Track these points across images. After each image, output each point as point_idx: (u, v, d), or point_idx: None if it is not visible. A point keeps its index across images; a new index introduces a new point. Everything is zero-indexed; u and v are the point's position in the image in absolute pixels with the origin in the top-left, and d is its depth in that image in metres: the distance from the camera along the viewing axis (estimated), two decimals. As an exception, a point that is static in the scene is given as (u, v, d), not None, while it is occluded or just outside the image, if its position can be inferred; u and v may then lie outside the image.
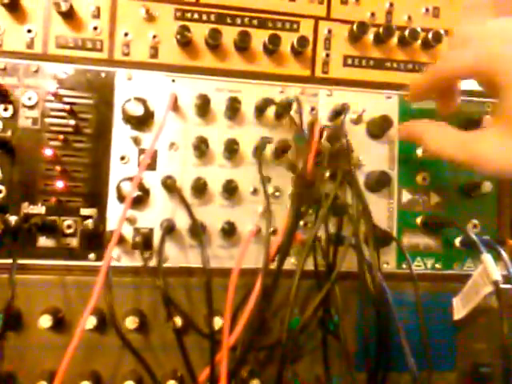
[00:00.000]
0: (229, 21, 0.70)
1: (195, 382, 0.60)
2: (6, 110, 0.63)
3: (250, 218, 0.69)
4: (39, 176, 0.64)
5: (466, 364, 0.71)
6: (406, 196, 0.73)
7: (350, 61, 0.73)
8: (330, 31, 0.73)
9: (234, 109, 0.67)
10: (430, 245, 0.73)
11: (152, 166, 0.67)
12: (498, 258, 0.65)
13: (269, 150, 0.69)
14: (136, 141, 0.66)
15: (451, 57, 0.58)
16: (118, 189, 0.64)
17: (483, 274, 0.63)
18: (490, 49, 0.53)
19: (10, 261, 0.60)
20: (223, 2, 0.70)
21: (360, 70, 0.74)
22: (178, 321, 0.61)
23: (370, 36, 0.73)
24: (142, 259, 0.62)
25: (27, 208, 0.63)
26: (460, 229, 0.71)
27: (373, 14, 0.74)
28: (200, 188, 0.66)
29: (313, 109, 0.71)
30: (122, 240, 0.65)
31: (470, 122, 0.72)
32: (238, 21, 0.70)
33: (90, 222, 0.63)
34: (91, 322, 0.60)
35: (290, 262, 0.68)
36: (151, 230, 0.66)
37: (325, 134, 0.68)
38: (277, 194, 0.69)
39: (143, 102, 0.64)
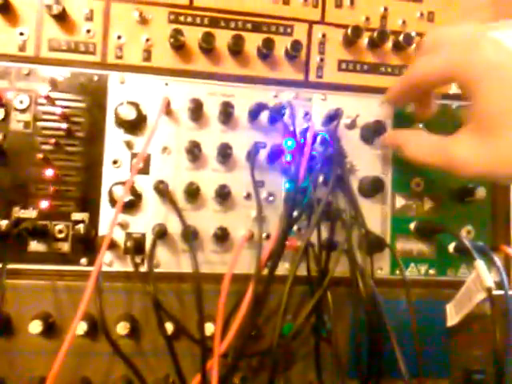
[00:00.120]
0: (222, 24, 0.69)
1: (185, 388, 0.60)
2: (-3, 113, 0.63)
3: (243, 223, 0.68)
4: (31, 180, 0.63)
5: (459, 371, 0.71)
6: (400, 201, 0.72)
7: (344, 65, 0.73)
8: (324, 35, 0.72)
9: (227, 113, 0.66)
10: (423, 251, 0.73)
11: (145, 170, 0.66)
12: (491, 264, 0.65)
13: (262, 154, 0.68)
14: (129, 145, 0.66)
15: (422, 63, 0.59)
16: (110, 193, 0.64)
17: (476, 280, 0.63)
18: (460, 54, 0.54)
19: (-1, 265, 0.60)
20: (217, 6, 0.69)
21: (354, 74, 0.73)
22: (170, 327, 0.60)
23: (364, 40, 0.73)
24: (132, 264, 0.62)
25: (18, 212, 0.63)
26: (453, 235, 0.71)
27: (367, 19, 0.73)
28: (193, 192, 0.65)
29: (307, 113, 0.71)
30: (114, 245, 0.65)
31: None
32: (232, 24, 0.70)
33: (81, 227, 0.62)
34: (82, 327, 0.59)
35: (284, 268, 0.67)
36: (143, 234, 0.66)
37: (318, 138, 0.68)
38: (270, 198, 0.69)
39: (136, 105, 0.64)
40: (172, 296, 0.64)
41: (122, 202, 0.60)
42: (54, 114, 0.64)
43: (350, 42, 0.72)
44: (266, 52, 0.69)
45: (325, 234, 0.66)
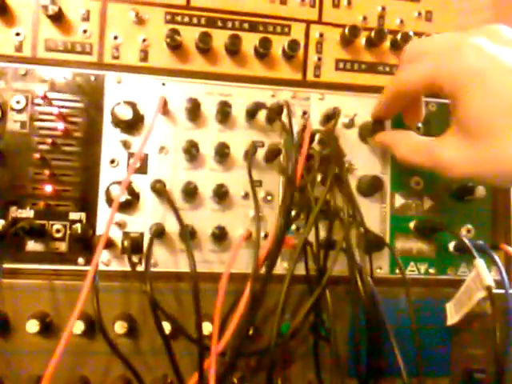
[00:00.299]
0: (219, 24, 0.70)
1: (183, 387, 0.60)
2: (-6, 113, 0.63)
3: (241, 223, 0.68)
4: (28, 180, 0.63)
5: (459, 370, 0.70)
6: (399, 200, 0.72)
7: (341, 64, 0.73)
8: (321, 35, 0.72)
9: (224, 113, 0.66)
10: (423, 250, 0.72)
11: (143, 170, 0.66)
12: (491, 263, 0.65)
13: (260, 154, 0.68)
14: (126, 144, 0.66)
15: (405, 72, 0.60)
16: (108, 192, 0.64)
17: (476, 279, 0.62)
18: (443, 62, 0.55)
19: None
20: (214, 6, 0.69)
21: (352, 73, 0.73)
22: (167, 326, 0.60)
23: (362, 40, 0.73)
24: (129, 264, 0.62)
25: (15, 212, 0.63)
26: (453, 233, 0.70)
27: (365, 18, 0.74)
28: (190, 192, 0.65)
29: (304, 113, 0.71)
30: (112, 244, 0.65)
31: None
32: (229, 24, 0.70)
33: (78, 226, 0.62)
34: (79, 327, 0.59)
35: (283, 267, 0.67)
36: (141, 234, 0.66)
37: (316, 137, 0.68)
38: (268, 198, 0.69)
39: (133, 105, 0.64)
40: (170, 295, 0.64)
41: (119, 202, 0.60)
42: (50, 114, 0.64)
43: (348, 41, 0.72)
44: (263, 52, 0.69)
45: (323, 234, 0.66)
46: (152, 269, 0.64)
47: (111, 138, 0.66)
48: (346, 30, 0.70)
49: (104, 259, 0.65)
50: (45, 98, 0.63)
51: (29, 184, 0.63)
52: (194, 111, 0.66)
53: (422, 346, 0.60)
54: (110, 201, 0.64)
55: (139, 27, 0.68)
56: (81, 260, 0.64)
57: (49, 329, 0.61)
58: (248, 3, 0.70)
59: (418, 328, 0.61)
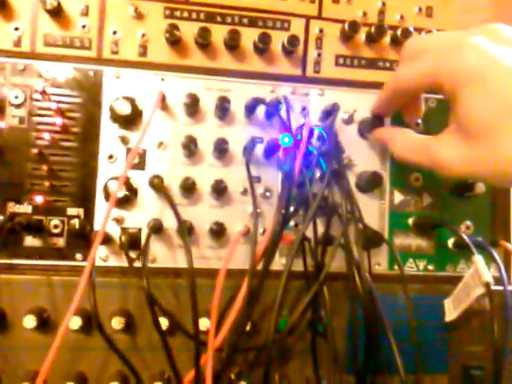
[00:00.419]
0: (219, 19, 0.69)
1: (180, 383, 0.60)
2: (-8, 108, 0.63)
3: (239, 219, 0.68)
4: (26, 175, 0.63)
5: (457, 366, 0.70)
6: (398, 197, 0.72)
7: (341, 60, 0.73)
8: (321, 30, 0.72)
9: (223, 108, 0.66)
10: (422, 246, 0.72)
11: (141, 166, 0.66)
12: (490, 259, 0.64)
13: (259, 149, 0.68)
14: (124, 140, 0.66)
15: (405, 70, 0.60)
16: (106, 188, 0.64)
17: (474, 275, 0.62)
18: (442, 60, 0.54)
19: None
20: (213, 1, 0.69)
21: (352, 69, 0.73)
22: (165, 322, 0.60)
23: (362, 35, 0.73)
24: (127, 259, 0.62)
25: (13, 207, 0.63)
26: (452, 230, 0.70)
27: (365, 14, 0.73)
28: (189, 188, 0.65)
29: (304, 108, 0.70)
30: (109, 240, 0.65)
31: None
32: (228, 19, 0.70)
33: (76, 222, 0.62)
34: (76, 322, 0.59)
35: (281, 263, 0.67)
36: (139, 229, 0.66)
37: (315, 133, 0.68)
38: (267, 194, 0.68)
39: (131, 100, 0.64)
40: (168, 291, 0.64)
41: (116, 197, 0.60)
42: (49, 109, 0.64)
43: (348, 36, 0.72)
44: (262, 47, 0.69)
45: (321, 229, 0.66)
46: (150, 264, 0.64)
47: (109, 134, 0.66)
48: (346, 26, 0.70)
49: (102, 255, 0.65)
50: (43, 93, 0.63)
51: (27, 179, 0.63)
52: (193, 106, 0.66)
53: (420, 342, 0.60)
54: (108, 196, 0.64)
55: (138, 22, 0.67)
56: (79, 256, 0.64)
57: (46, 324, 0.61)
58: (247, -2, 0.70)
59: (416, 324, 0.61)
